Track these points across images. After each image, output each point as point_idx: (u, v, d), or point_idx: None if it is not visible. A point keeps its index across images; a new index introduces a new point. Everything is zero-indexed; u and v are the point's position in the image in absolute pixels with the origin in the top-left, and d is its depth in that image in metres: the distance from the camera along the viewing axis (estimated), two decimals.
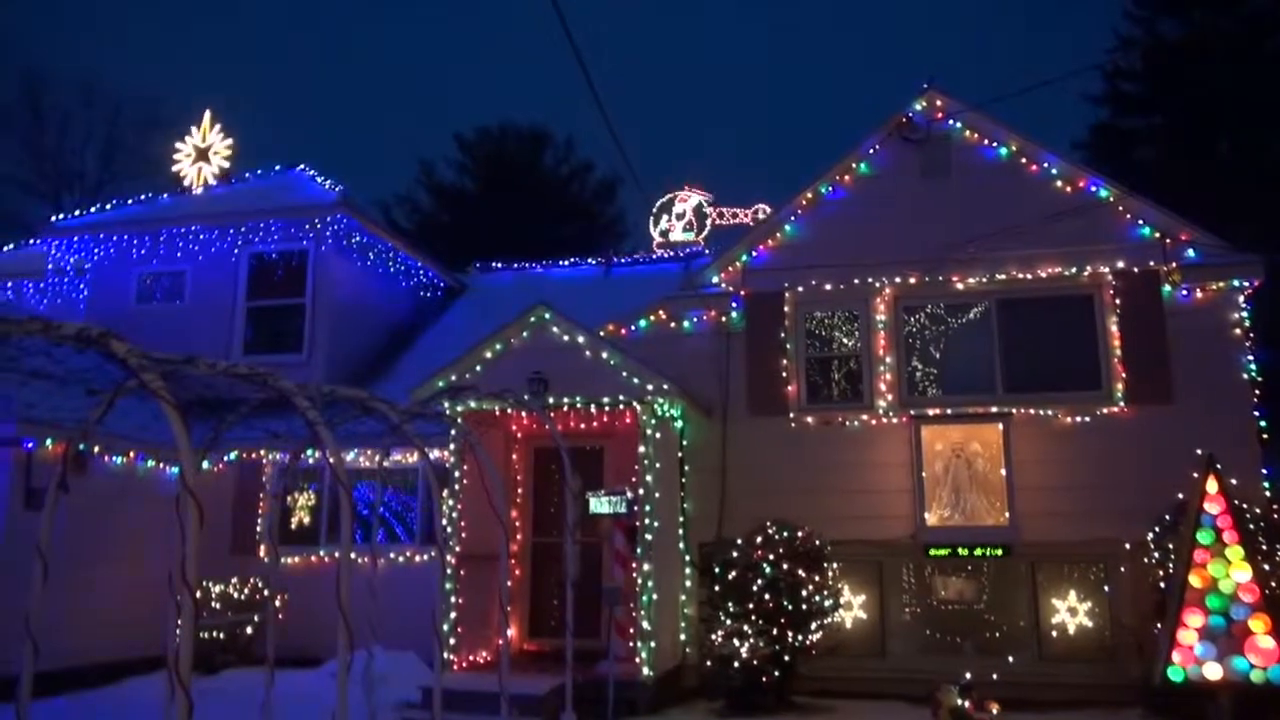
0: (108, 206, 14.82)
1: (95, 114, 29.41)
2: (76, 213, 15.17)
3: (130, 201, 14.88)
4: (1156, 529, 9.04)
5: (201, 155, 15.00)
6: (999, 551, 9.69)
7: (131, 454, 10.84)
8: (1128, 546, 9.38)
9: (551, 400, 9.53)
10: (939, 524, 9.92)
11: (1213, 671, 7.73)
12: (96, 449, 10.34)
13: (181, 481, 3.43)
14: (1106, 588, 9.60)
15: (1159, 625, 8.39)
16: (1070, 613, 9.67)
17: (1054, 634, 9.65)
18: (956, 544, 9.79)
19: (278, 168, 14.94)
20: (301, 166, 14.71)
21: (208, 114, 15.22)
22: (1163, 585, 8.72)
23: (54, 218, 15.07)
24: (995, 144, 10.76)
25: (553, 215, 32.63)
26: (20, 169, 28.66)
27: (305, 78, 76.30)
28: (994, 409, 10.12)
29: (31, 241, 15.62)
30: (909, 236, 10.61)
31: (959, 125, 10.89)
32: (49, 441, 9.46)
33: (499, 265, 17.08)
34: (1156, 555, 8.96)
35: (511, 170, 34.20)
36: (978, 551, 9.75)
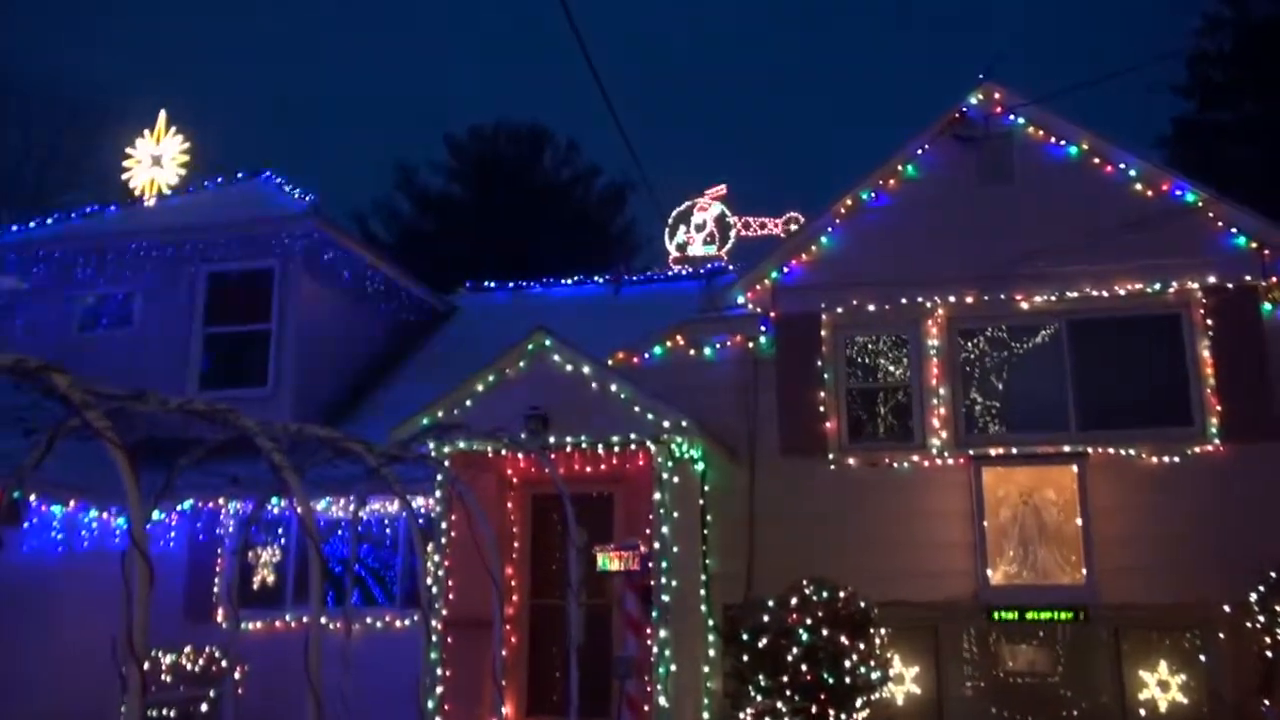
0: (48, 220, 15.01)
1: (33, 114, 29.80)
2: (13, 228, 15.37)
3: (73, 214, 15.07)
4: (1261, 588, 8.93)
5: (154, 162, 15.20)
6: (1075, 615, 9.60)
7: (72, 503, 10.90)
8: (1227, 609, 9.28)
9: (553, 440, 9.54)
10: (1004, 582, 9.84)
11: None
12: (33, 498, 10.41)
13: (129, 536, 3.46)
14: (1203, 657, 9.48)
15: (1266, 701, 8.28)
16: (1160, 687, 9.54)
17: (1141, 712, 9.52)
18: (1025, 606, 9.70)
19: (240, 175, 15.12)
20: (267, 173, 14.88)
21: (162, 115, 15.45)
22: (1269, 654, 8.61)
23: None
24: (1063, 142, 10.80)
25: (554, 226, 32.85)
26: None
27: (267, 73, 77.34)
28: (1067, 448, 10.07)
29: None
30: (965, 249, 10.63)
31: (1021, 121, 10.94)
32: None
33: (492, 284, 17.20)
34: (1261, 619, 8.85)
35: (506, 175, 34.53)
36: (1050, 615, 9.66)
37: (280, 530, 12.03)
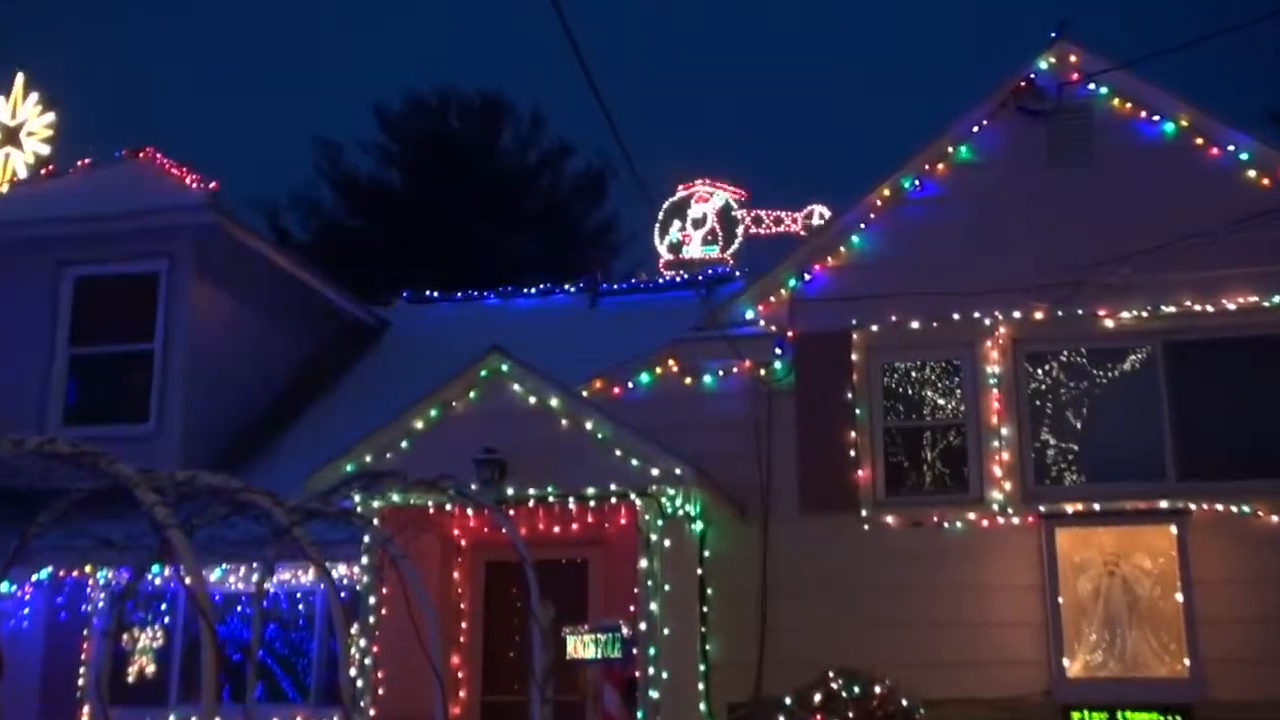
0: None
1: None
2: None
3: None
4: None
5: (9, 137, 15.19)
6: (1177, 717, 9.61)
7: None
8: None
9: (512, 492, 9.54)
10: (1085, 674, 9.85)
11: None
12: None
13: None
14: None
15: None
16: None
17: None
18: (1111, 704, 9.72)
19: (118, 155, 15.11)
20: (152, 153, 14.88)
21: (19, 79, 15.45)
22: None
23: None
24: (1156, 117, 10.89)
25: (514, 221, 32.92)
26: None
27: (152, 30, 77.51)
28: (1163, 504, 10.10)
29: None
30: (1032, 251, 10.70)
31: (1103, 91, 11.04)
32: None
33: (436, 294, 17.21)
34: None
35: (454, 157, 34.56)
36: (1144, 715, 9.66)
37: (164, 606, 11.96)
